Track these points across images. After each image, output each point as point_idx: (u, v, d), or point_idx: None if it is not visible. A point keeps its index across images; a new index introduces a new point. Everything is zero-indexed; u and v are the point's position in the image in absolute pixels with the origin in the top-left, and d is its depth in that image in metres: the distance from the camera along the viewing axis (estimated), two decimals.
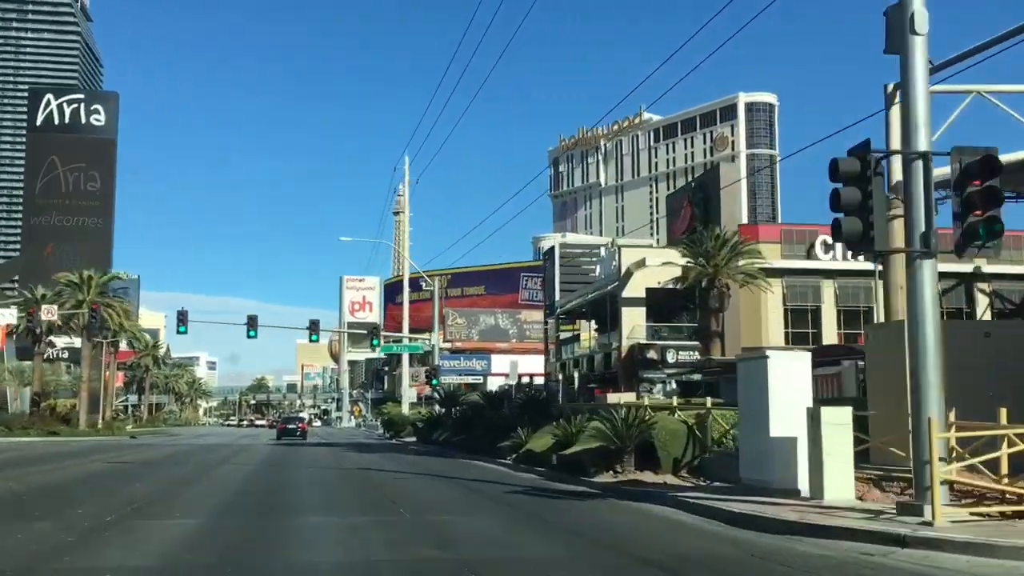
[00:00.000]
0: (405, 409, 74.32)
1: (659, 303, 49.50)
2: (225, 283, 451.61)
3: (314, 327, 50.16)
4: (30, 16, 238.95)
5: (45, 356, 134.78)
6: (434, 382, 50.27)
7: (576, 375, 55.60)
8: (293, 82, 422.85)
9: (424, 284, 55.66)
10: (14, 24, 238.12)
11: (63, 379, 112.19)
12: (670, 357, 48.17)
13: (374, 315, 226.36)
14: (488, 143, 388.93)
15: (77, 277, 63.22)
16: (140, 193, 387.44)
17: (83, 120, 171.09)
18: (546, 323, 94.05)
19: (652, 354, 48.01)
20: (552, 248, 72.02)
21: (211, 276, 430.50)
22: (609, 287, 51.75)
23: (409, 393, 69.95)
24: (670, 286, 44.85)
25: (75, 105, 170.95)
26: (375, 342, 49.98)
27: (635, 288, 49.11)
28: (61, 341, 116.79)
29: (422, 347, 56.98)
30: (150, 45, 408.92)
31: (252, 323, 49.54)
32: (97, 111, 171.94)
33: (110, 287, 65.56)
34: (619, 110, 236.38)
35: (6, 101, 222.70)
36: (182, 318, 49.22)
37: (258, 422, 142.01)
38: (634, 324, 49.26)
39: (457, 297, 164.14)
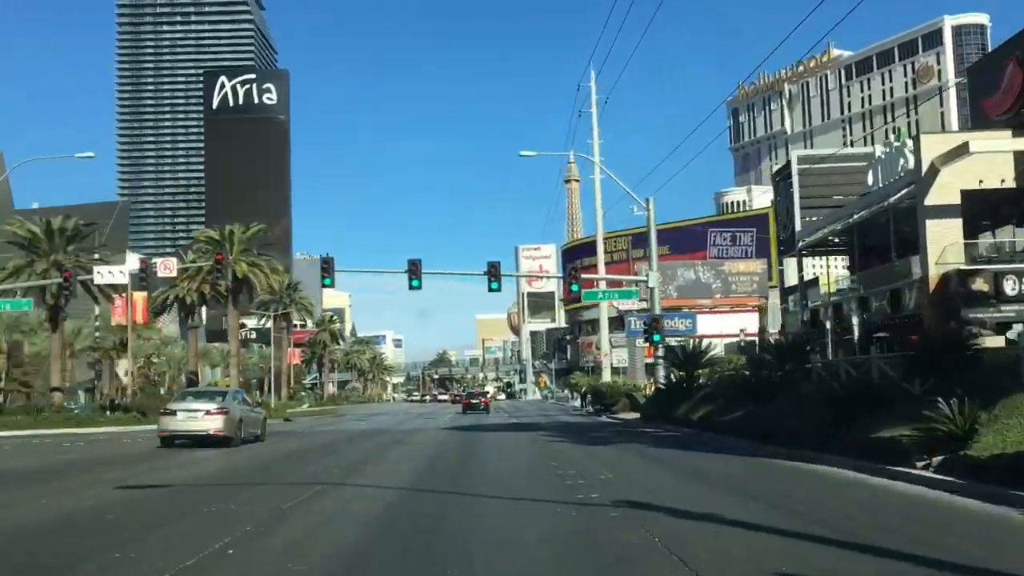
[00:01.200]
0: (606, 376, 61.00)
1: (979, 212, 33.57)
2: (399, 261, 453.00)
3: (493, 272, 37.24)
4: (206, 8, 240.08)
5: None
6: (656, 338, 36.15)
7: (828, 325, 40.31)
8: (456, 60, 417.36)
9: (636, 209, 40.93)
10: (192, 18, 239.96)
11: (252, 360, 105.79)
12: (1009, 287, 32.16)
13: (552, 284, 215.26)
14: (658, 98, 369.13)
15: (218, 233, 53.16)
16: (312, 172, 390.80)
17: (256, 100, 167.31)
18: (780, 265, 78.08)
19: (981, 284, 32.13)
20: (786, 165, 56.22)
21: (385, 254, 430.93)
22: (893, 198, 35.89)
23: (614, 358, 56.43)
24: (998, 185, 29.41)
25: (248, 86, 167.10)
26: (574, 287, 36.46)
27: (944, 193, 33.15)
28: (251, 322, 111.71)
29: (636, 293, 43.21)
30: (318, 28, 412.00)
31: (415, 270, 37.16)
32: (269, 90, 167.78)
33: (257, 240, 55.06)
34: (804, 49, 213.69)
35: (191, 93, 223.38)
36: (326, 268, 37.55)
37: (441, 397, 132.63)
38: (945, 243, 33.42)
39: (640, 259, 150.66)
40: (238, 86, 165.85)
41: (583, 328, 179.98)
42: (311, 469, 17.17)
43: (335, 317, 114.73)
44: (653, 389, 41.02)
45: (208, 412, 24.17)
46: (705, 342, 36.48)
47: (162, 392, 71.38)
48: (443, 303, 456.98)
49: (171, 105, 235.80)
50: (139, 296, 52.96)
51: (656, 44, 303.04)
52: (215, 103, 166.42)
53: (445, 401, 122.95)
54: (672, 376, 33.36)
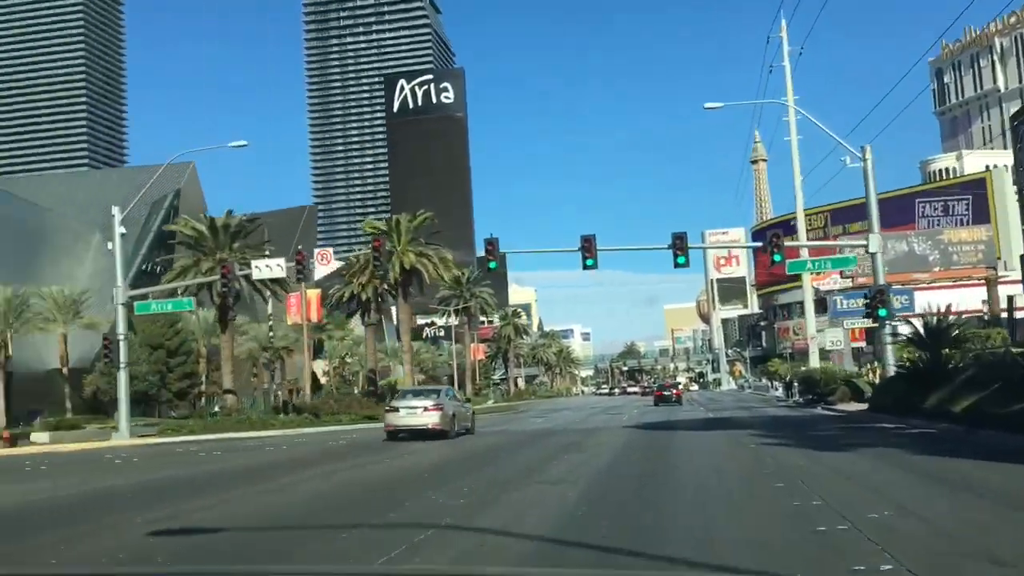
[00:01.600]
0: (814, 362, 53.76)
1: None
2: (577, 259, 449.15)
3: (679, 244, 31.79)
4: (387, 17, 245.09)
5: (424, 336, 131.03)
6: (882, 313, 29.44)
7: None
8: (629, 49, 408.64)
9: (849, 160, 35.42)
10: (374, 27, 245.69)
11: (440, 357, 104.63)
12: None
13: (742, 268, 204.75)
14: (850, 61, 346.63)
15: (384, 224, 50.26)
16: (491, 169, 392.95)
17: (434, 100, 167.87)
18: None
19: None
20: None
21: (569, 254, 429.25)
22: None
23: (825, 340, 49.32)
24: None
25: (426, 87, 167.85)
26: (777, 256, 30.44)
27: None
28: (440, 320, 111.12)
29: (853, 260, 36.44)
30: (492, 28, 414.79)
31: (589, 247, 32.30)
32: (446, 89, 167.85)
33: (425, 230, 51.74)
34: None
35: (375, 98, 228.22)
36: (491, 250, 33.30)
37: (630, 389, 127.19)
38: None
39: (840, 236, 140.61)
40: (416, 88, 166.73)
41: (778, 313, 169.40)
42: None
43: (520, 311, 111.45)
44: (878, 375, 34.16)
45: (426, 408, 26.46)
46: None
47: (355, 391, 70.03)
48: (630, 296, 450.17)
49: (357, 111, 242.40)
50: (312, 293, 50.98)
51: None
52: (395, 106, 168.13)
53: (635, 394, 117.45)
54: (912, 358, 26.62)
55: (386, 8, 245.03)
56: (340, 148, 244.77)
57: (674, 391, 63.81)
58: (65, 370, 55.44)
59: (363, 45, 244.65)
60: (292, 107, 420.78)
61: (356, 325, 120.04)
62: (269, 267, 33.74)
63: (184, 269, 40.13)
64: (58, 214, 75.32)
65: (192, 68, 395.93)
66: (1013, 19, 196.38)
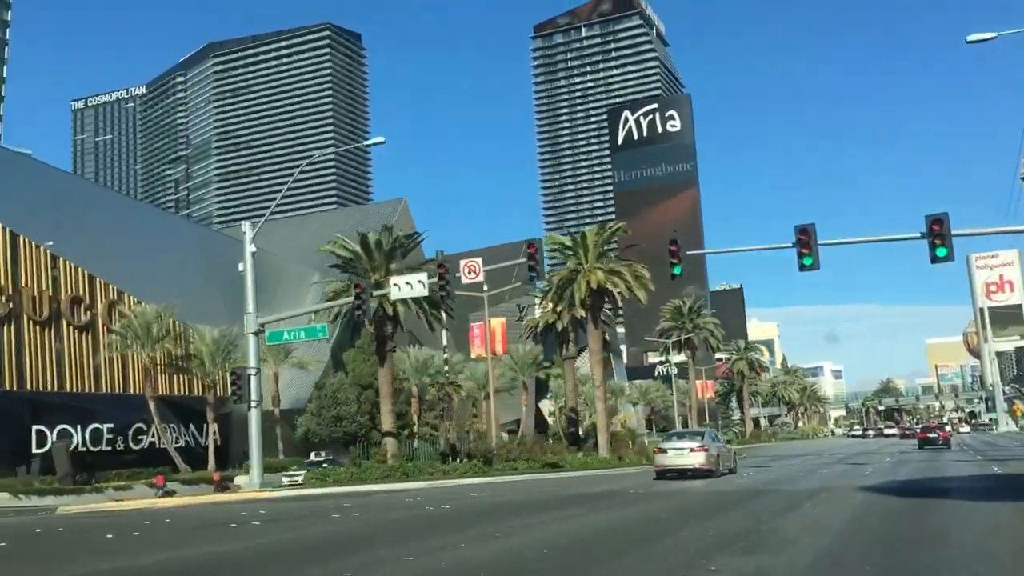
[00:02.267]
0: None
1: None
2: (824, 292, 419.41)
3: (937, 232, 22.57)
4: (613, 54, 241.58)
5: (655, 374, 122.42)
6: None
7: None
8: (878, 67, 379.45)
9: None
10: (600, 65, 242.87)
11: (656, 393, 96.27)
12: None
13: (1016, 295, 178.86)
14: None
15: (569, 239, 43.11)
16: (720, 200, 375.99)
17: (659, 129, 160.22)
18: None
19: None
20: None
21: (810, 287, 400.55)
22: None
23: None
24: None
25: (650, 116, 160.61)
26: None
27: None
28: (676, 358, 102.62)
29: None
30: (719, 57, 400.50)
31: (806, 241, 23.73)
32: (672, 117, 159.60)
33: (613, 240, 44.20)
34: None
35: (603, 135, 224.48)
36: (674, 251, 25.63)
37: (887, 431, 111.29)
38: None
39: None
40: (641, 118, 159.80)
41: None
42: None
43: (760, 347, 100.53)
44: None
45: (692, 449, 27.88)
46: None
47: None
48: (885, 330, 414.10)
49: (586, 149, 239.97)
50: (497, 323, 45.03)
51: None
52: (620, 138, 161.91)
53: (892, 436, 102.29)
54: None
55: (612, 46, 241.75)
56: (570, 186, 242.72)
57: (940, 433, 59.53)
58: (277, 411, 53.05)
59: (590, 83, 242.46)
60: (522, 150, 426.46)
61: (585, 361, 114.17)
62: (409, 284, 27.75)
63: (336, 294, 35.24)
64: (280, 257, 75.14)
65: (427, 113, 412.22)
66: None
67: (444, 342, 46.66)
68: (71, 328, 44.20)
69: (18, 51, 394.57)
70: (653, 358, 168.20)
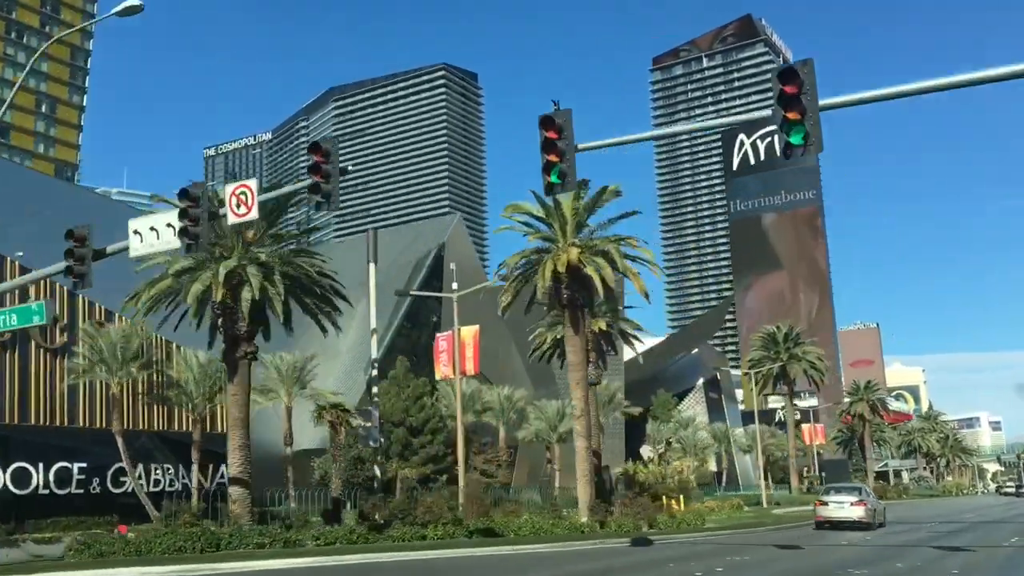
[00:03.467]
0: None
1: None
2: (983, 337, 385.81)
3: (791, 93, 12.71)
4: (736, 84, 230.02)
5: (775, 419, 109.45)
6: None
7: None
8: None
9: None
10: (723, 96, 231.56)
11: (772, 441, 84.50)
12: None
13: None
14: None
15: (541, 210, 31.70)
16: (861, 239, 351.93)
17: (779, 151, 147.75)
18: None
19: None
20: None
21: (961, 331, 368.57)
22: None
23: None
24: None
25: (769, 139, 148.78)
26: None
27: None
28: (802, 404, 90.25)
29: None
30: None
31: (792, 96, 14.18)
32: None
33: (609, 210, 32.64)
34: None
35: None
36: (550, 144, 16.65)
37: None
38: None
39: None
40: (758, 141, 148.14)
41: None
42: None
43: (898, 391, 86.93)
44: None
45: (852, 503, 30.64)
46: None
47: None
48: None
49: (707, 180, 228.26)
50: (468, 332, 36.37)
51: None
52: (735, 163, 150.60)
53: None
54: None
55: (736, 75, 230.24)
56: (691, 219, 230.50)
57: None
58: (288, 450, 45.31)
59: (712, 115, 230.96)
60: (641, 185, 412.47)
61: (691, 404, 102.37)
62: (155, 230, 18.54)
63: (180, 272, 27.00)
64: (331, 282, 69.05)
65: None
66: None
67: (374, 352, 37.73)
68: (42, 351, 38.21)
69: (153, 103, 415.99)
70: (775, 403, 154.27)
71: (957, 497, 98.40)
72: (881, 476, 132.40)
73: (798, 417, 68.99)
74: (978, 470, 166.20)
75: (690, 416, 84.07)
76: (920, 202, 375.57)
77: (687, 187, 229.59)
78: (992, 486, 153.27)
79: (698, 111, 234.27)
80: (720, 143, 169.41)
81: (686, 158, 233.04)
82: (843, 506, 30.44)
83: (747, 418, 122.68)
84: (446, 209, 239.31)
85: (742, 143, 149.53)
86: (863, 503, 30.52)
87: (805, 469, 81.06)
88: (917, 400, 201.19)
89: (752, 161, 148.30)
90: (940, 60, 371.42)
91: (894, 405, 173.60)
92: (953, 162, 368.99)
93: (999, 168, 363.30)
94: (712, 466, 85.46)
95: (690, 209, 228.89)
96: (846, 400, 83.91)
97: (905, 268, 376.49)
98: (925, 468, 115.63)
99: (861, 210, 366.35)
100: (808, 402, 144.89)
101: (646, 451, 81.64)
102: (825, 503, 31.26)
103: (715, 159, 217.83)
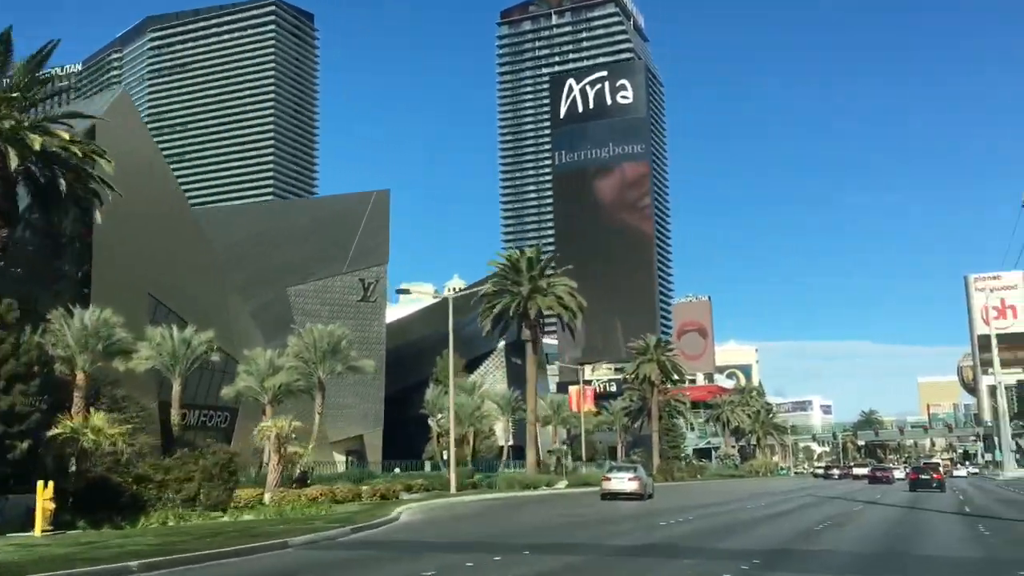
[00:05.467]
0: None
1: None
2: (814, 328, 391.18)
3: None
4: (584, 45, 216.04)
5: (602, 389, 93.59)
6: None
7: None
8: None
9: None
10: (570, 56, 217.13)
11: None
12: None
13: (1020, 323, 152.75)
14: None
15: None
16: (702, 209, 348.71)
17: (609, 100, 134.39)
18: None
19: None
20: None
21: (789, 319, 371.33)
22: None
23: None
24: None
25: (599, 85, 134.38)
26: None
27: None
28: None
29: None
30: (704, 62, 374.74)
31: None
32: (623, 87, 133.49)
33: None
34: None
35: None
36: None
37: (858, 470, 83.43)
38: None
39: None
40: (588, 88, 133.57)
41: None
42: None
43: (668, 343, 72.20)
44: None
45: (628, 479, 36.30)
46: None
47: None
48: (879, 368, 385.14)
49: (548, 149, 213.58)
50: None
51: None
52: (563, 110, 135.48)
53: (862, 476, 75.03)
54: None
55: (584, 35, 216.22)
56: (531, 174, 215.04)
57: (933, 474, 51.01)
58: None
59: (558, 72, 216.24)
60: (484, 141, 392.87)
61: (490, 369, 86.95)
62: None
63: None
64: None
65: (383, 101, 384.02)
66: None
67: None
68: None
69: None
70: (605, 373, 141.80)
71: (762, 478, 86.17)
72: (703, 454, 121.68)
73: (555, 376, 53.14)
74: (805, 451, 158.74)
75: (477, 382, 67.48)
76: (766, 186, 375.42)
77: (529, 128, 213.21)
78: (794, 468, 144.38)
79: (544, 69, 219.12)
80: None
81: (529, 98, 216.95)
82: (622, 480, 35.69)
83: (562, 388, 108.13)
84: (271, 155, 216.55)
85: (571, 88, 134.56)
86: (637, 479, 35.96)
87: (568, 444, 66.10)
88: (749, 379, 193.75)
89: (580, 109, 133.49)
90: (798, 36, 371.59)
91: (727, 384, 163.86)
92: (796, 155, 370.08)
93: (843, 159, 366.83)
94: (501, 440, 71.38)
95: (531, 152, 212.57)
96: (636, 363, 69.25)
97: (747, 250, 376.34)
98: (734, 446, 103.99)
99: (706, 186, 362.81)
100: (603, 372, 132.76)
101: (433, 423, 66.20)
102: (609, 479, 36.54)
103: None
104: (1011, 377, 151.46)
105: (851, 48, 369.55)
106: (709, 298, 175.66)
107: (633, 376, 70.95)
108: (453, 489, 37.67)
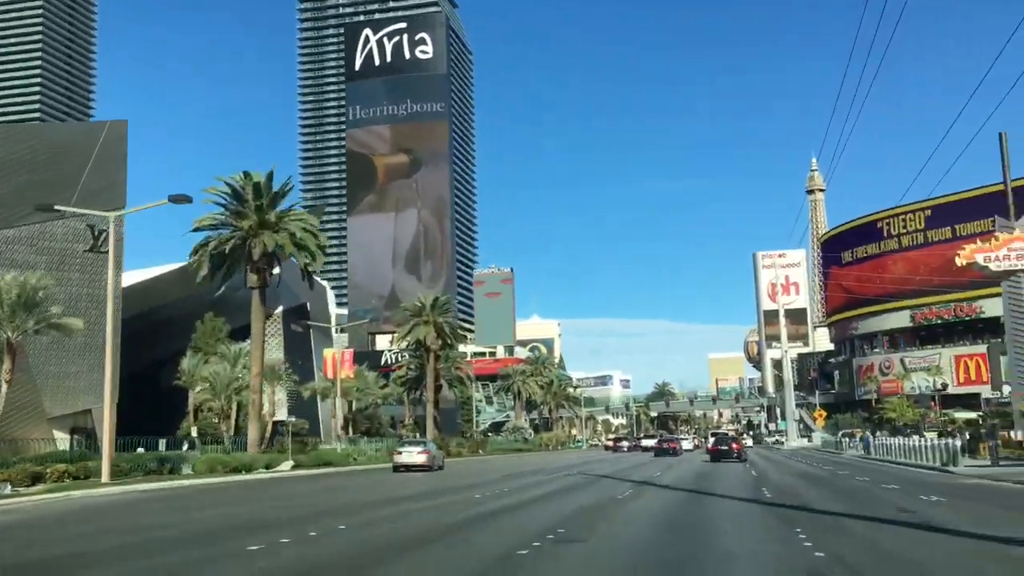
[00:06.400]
0: None
1: None
2: (614, 307, 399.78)
3: None
4: (390, 4, 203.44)
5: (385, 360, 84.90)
6: None
7: None
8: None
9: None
10: (376, 16, 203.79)
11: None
12: None
13: (802, 299, 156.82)
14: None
15: None
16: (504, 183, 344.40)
17: (407, 55, 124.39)
18: None
19: None
20: None
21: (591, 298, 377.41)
22: None
23: None
24: None
25: (396, 38, 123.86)
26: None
27: None
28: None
29: None
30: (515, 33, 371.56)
31: None
32: (423, 41, 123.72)
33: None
34: None
35: None
36: None
37: (646, 442, 78.86)
38: None
39: (947, 242, 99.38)
40: (385, 40, 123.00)
41: (858, 346, 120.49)
42: None
43: (443, 303, 63.30)
44: None
45: (418, 452, 38.99)
46: None
47: None
48: (675, 344, 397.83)
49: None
50: None
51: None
52: (358, 63, 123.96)
53: (649, 448, 69.97)
54: None
55: None
56: (334, 148, 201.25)
57: (733, 444, 47.61)
58: None
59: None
60: (284, 96, 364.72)
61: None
62: None
63: None
64: None
65: (171, 34, 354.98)
66: None
67: None
68: None
69: None
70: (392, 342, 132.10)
71: (551, 452, 79.84)
72: (501, 429, 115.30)
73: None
74: (604, 424, 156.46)
75: (244, 349, 56.81)
76: (573, 167, 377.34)
77: (331, 82, 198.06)
78: (585, 441, 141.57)
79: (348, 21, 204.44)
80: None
81: (332, 49, 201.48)
82: (412, 454, 38.54)
83: (368, 357, 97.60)
84: (38, 67, 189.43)
85: (367, 39, 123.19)
86: (426, 452, 38.88)
87: (350, 418, 56.56)
88: (551, 354, 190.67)
89: (377, 62, 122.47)
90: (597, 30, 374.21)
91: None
92: (599, 139, 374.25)
93: (644, 144, 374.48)
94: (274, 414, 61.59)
95: (333, 105, 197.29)
96: (410, 324, 60.10)
97: (552, 228, 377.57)
98: (528, 419, 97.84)
99: (516, 163, 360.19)
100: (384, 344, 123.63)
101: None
102: (400, 452, 39.16)
103: None
104: (793, 351, 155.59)
105: (643, 46, 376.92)
106: (512, 270, 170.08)
107: (405, 340, 61.88)
108: (105, 477, 27.06)
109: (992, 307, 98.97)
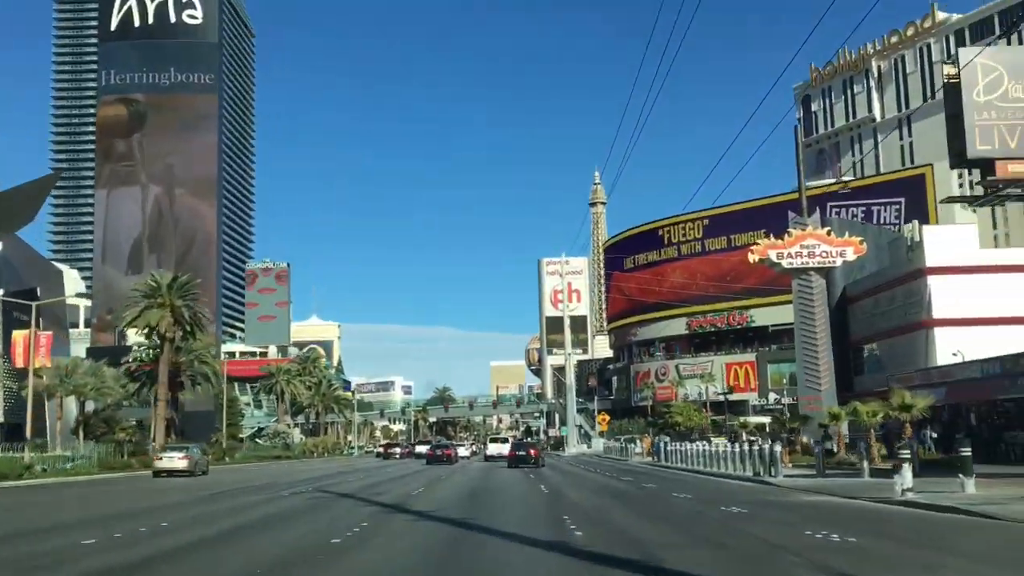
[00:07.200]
0: None
1: None
2: (390, 311, 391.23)
3: None
4: None
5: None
6: None
7: None
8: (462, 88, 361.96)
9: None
10: None
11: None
12: None
13: (583, 306, 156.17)
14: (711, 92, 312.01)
15: None
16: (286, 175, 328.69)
17: (172, 19, 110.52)
18: None
19: None
20: None
21: (373, 264, 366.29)
22: None
23: None
24: None
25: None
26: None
27: None
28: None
29: None
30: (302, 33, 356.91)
31: None
32: (191, 5, 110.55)
33: None
34: (898, 16, 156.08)
35: None
36: None
37: (420, 448, 71.47)
38: None
39: (722, 252, 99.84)
40: (147, 1, 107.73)
41: (636, 353, 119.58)
42: None
43: (188, 283, 52.03)
44: None
45: (179, 458, 38.00)
46: None
47: None
48: (458, 351, 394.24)
49: None
50: None
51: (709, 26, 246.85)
52: (114, 23, 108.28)
53: (423, 455, 62.33)
54: None
55: None
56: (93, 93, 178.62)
57: (531, 451, 45.62)
58: None
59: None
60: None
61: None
62: None
63: None
64: None
65: None
66: (895, 39, 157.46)
67: None
68: None
69: None
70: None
71: (315, 459, 70.21)
72: (259, 433, 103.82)
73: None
74: (383, 430, 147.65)
75: None
76: (356, 172, 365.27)
77: (92, 44, 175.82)
78: (359, 447, 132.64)
79: None
80: None
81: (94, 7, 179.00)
82: (173, 459, 37.50)
83: (99, 354, 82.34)
84: None
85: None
86: (188, 457, 37.77)
87: (80, 421, 44.67)
88: (330, 357, 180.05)
89: (138, 23, 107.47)
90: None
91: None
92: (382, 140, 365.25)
93: (433, 154, 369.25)
94: None
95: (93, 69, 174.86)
96: (140, 307, 48.80)
97: (333, 230, 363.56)
98: (292, 423, 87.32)
99: (298, 158, 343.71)
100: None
101: None
102: (161, 458, 38.38)
103: None
104: (573, 358, 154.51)
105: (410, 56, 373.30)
106: (288, 265, 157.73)
107: (134, 328, 50.58)
108: None
109: (762, 317, 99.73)
